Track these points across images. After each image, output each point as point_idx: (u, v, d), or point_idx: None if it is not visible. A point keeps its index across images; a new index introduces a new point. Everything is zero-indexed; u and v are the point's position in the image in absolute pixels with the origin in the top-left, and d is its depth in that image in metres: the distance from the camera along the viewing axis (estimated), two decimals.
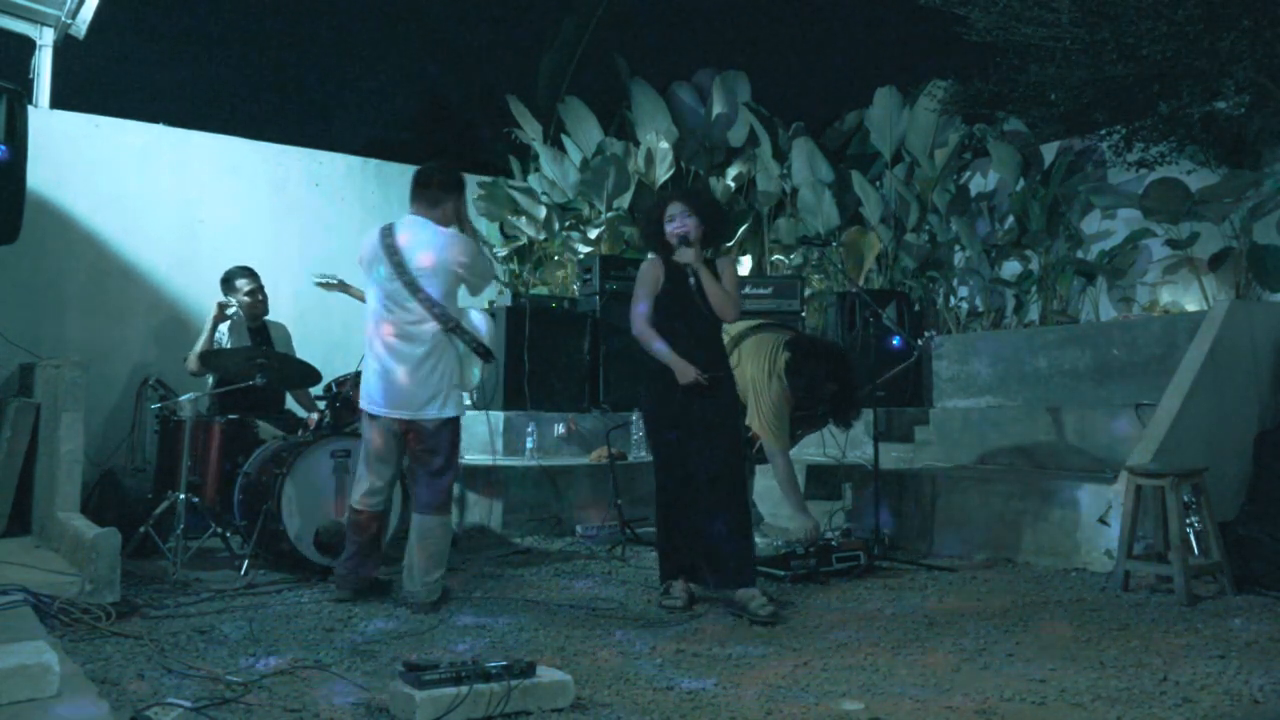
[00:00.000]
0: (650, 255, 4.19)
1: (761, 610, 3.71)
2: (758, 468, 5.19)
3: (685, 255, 3.99)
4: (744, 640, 3.47)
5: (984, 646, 3.36)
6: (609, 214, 8.11)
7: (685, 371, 3.88)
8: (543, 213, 8.28)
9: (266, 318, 5.59)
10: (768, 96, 8.96)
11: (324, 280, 5.19)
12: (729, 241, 4.25)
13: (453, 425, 4.05)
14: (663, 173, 8.36)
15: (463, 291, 4.12)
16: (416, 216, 4.06)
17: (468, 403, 7.35)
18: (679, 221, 4.02)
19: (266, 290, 5.55)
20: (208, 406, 5.32)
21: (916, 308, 7.77)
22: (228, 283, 5.49)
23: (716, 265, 4.09)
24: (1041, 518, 4.86)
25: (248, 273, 5.50)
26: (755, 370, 4.68)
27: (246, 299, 5.42)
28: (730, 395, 4.08)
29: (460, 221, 4.13)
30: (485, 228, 8.40)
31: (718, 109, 8.83)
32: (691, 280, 3.96)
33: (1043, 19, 6.22)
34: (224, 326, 5.42)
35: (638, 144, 8.49)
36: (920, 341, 5.96)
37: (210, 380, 5.34)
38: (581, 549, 5.39)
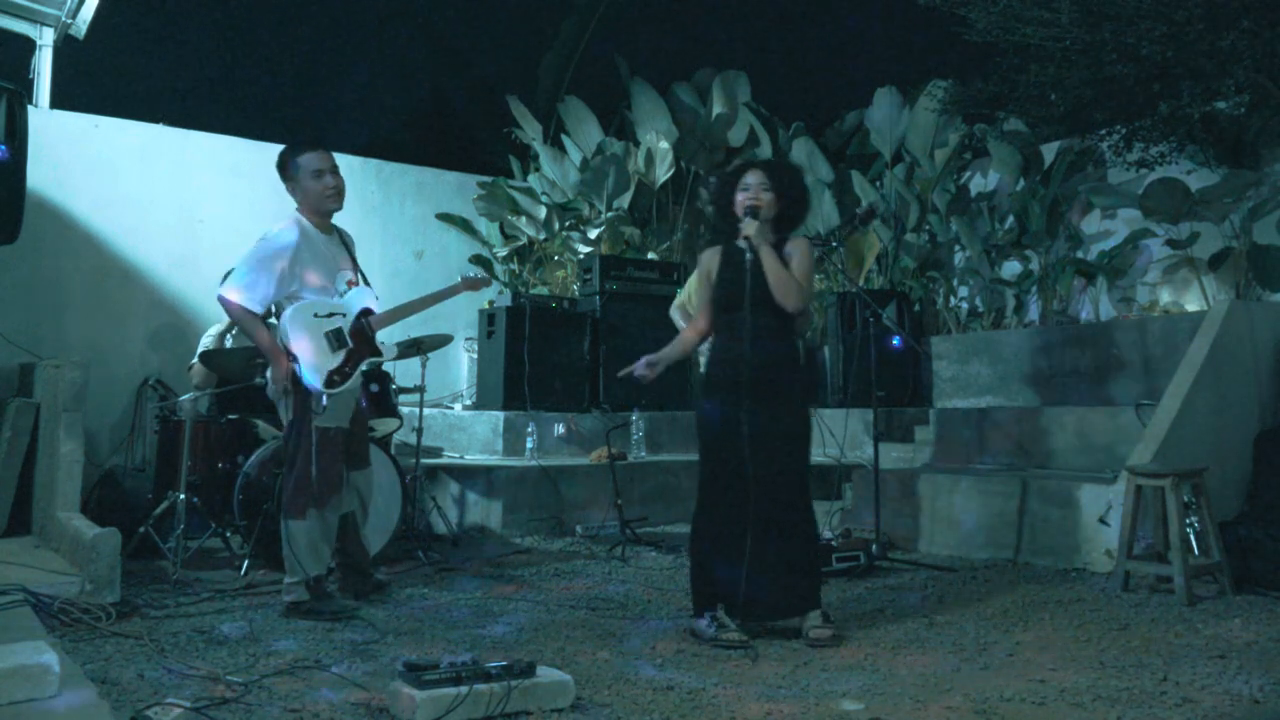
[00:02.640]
0: (709, 249, 3.72)
1: (811, 633, 3.40)
2: None
3: (748, 227, 3.49)
4: (743, 647, 3.46)
5: (984, 646, 3.36)
6: (609, 214, 8.11)
7: (641, 371, 3.58)
8: (543, 213, 8.28)
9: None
10: (768, 96, 8.96)
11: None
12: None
13: (292, 428, 3.83)
14: (663, 173, 8.36)
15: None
16: None
17: (468, 401, 7.41)
18: (752, 192, 3.54)
19: None
20: (208, 406, 5.34)
21: (916, 308, 7.77)
22: None
23: (786, 247, 3.59)
24: (1041, 518, 4.85)
25: None
26: None
27: None
28: (793, 402, 3.54)
29: (301, 202, 3.93)
30: (485, 228, 8.40)
31: (718, 109, 8.83)
32: (748, 257, 3.48)
33: (1043, 19, 6.20)
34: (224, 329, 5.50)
35: (638, 144, 8.49)
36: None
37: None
38: (581, 549, 5.39)
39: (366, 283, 4.07)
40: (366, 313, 3.95)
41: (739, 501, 3.44)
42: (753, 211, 3.51)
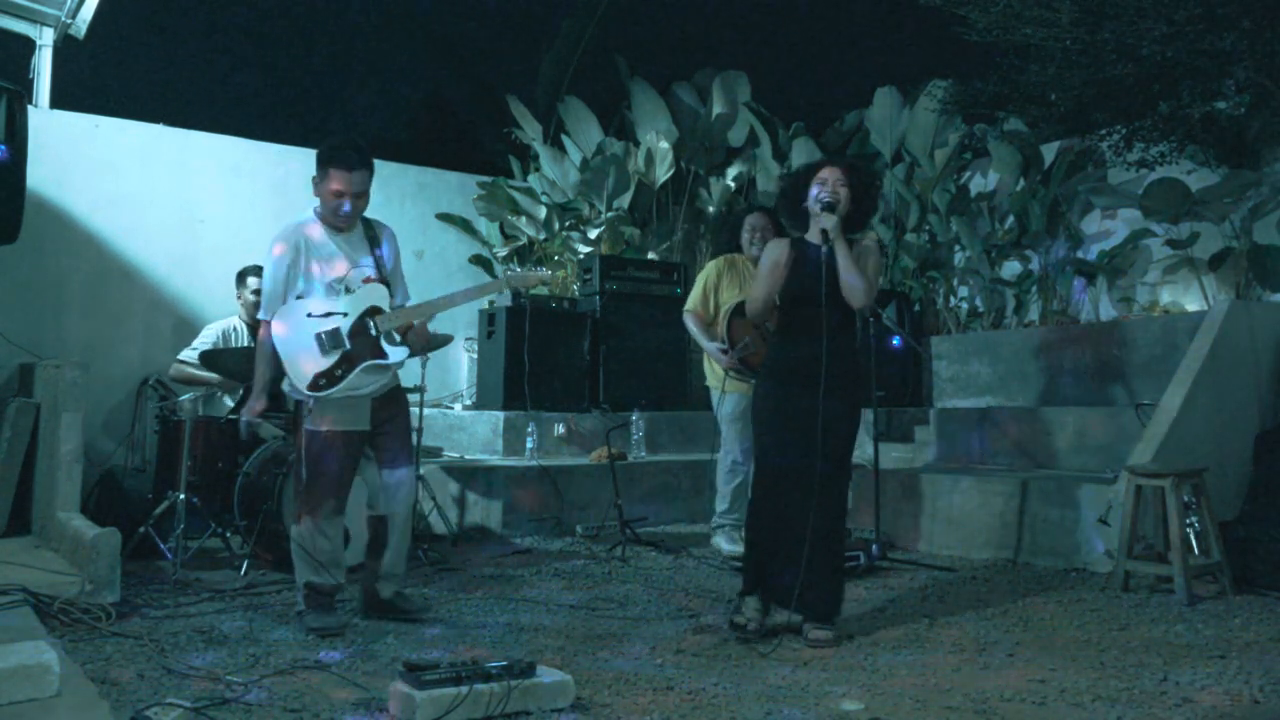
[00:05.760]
0: (771, 241, 3.78)
1: (810, 634, 3.43)
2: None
3: (826, 221, 3.48)
4: (744, 640, 3.46)
5: (984, 646, 3.36)
6: (609, 214, 8.11)
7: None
8: (543, 213, 8.28)
9: None
10: (768, 96, 8.96)
11: None
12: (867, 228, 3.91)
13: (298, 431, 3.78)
14: (663, 173, 8.36)
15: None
16: None
17: (468, 401, 7.41)
18: (830, 186, 3.55)
19: None
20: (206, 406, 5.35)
21: (916, 308, 7.77)
22: (240, 279, 5.63)
23: (854, 248, 3.59)
24: (1041, 518, 4.85)
25: (259, 272, 5.58)
26: None
27: (253, 297, 5.50)
28: (853, 398, 3.58)
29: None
30: (485, 228, 8.40)
31: (718, 109, 8.83)
32: (824, 250, 3.48)
33: (1043, 19, 6.20)
34: (222, 332, 5.54)
35: (638, 144, 8.49)
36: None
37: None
38: (581, 549, 5.39)
39: (384, 279, 3.82)
40: (373, 311, 3.74)
41: (798, 493, 3.48)
42: (830, 206, 3.50)
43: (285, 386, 3.75)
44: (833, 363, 3.44)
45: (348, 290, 3.75)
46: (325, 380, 3.63)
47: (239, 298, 5.64)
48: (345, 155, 3.71)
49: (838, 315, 3.51)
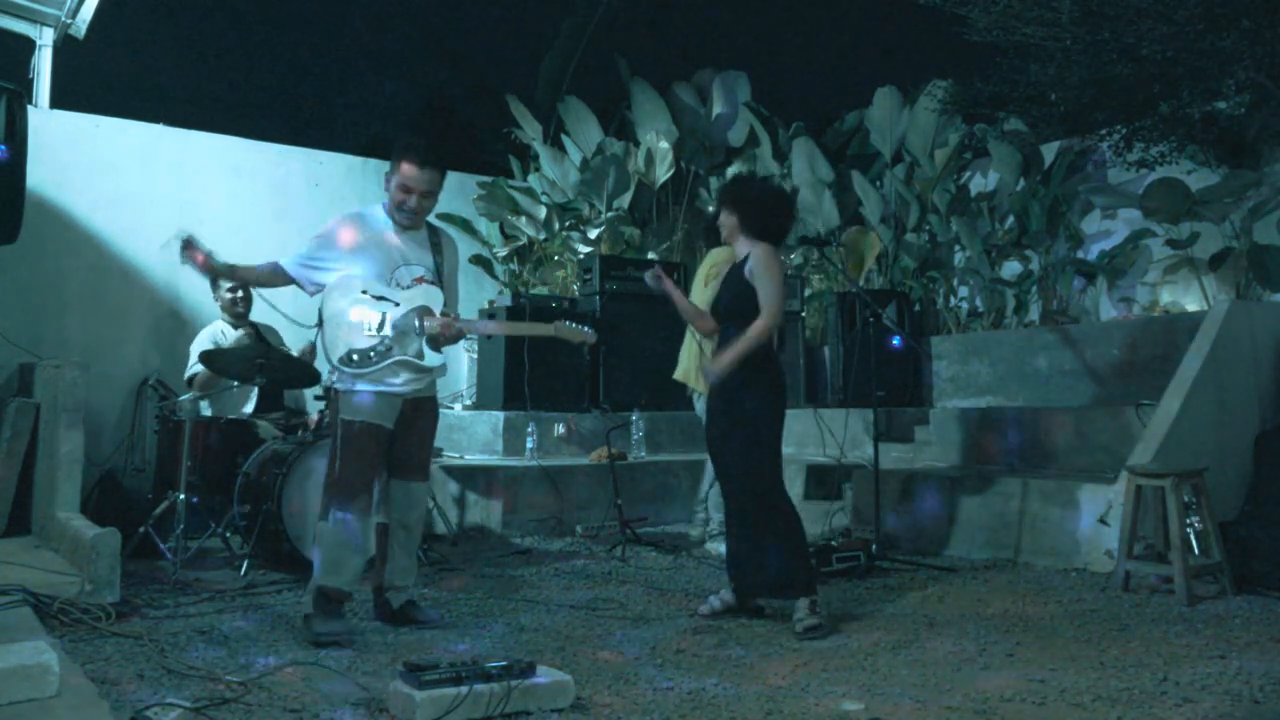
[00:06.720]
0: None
1: (798, 625, 3.54)
2: None
3: (708, 375, 3.88)
4: (744, 641, 3.47)
5: (984, 646, 3.36)
6: (609, 214, 8.11)
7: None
8: (543, 213, 8.28)
9: (258, 321, 5.54)
10: (768, 96, 8.97)
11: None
12: (782, 228, 3.98)
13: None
14: (663, 173, 8.36)
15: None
16: None
17: (468, 401, 7.41)
18: (720, 219, 3.98)
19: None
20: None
21: (916, 308, 7.77)
22: (214, 281, 5.55)
23: (748, 262, 3.81)
24: (1041, 518, 4.85)
25: None
26: None
27: (228, 295, 5.46)
28: (749, 398, 3.74)
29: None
30: (485, 228, 8.40)
31: (718, 109, 8.83)
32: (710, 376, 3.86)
33: (1043, 19, 6.21)
34: (212, 338, 5.52)
35: (638, 144, 8.49)
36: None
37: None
38: (581, 549, 5.39)
39: (441, 286, 3.78)
40: (425, 311, 3.69)
41: (725, 489, 3.91)
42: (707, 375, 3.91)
43: (325, 374, 3.71)
44: (724, 376, 3.75)
45: (399, 286, 3.72)
46: (358, 357, 3.61)
47: (216, 299, 5.52)
48: (417, 150, 3.69)
49: (733, 328, 3.82)
